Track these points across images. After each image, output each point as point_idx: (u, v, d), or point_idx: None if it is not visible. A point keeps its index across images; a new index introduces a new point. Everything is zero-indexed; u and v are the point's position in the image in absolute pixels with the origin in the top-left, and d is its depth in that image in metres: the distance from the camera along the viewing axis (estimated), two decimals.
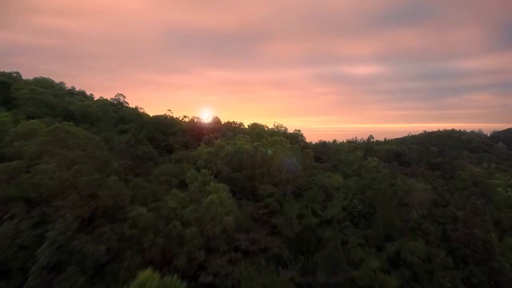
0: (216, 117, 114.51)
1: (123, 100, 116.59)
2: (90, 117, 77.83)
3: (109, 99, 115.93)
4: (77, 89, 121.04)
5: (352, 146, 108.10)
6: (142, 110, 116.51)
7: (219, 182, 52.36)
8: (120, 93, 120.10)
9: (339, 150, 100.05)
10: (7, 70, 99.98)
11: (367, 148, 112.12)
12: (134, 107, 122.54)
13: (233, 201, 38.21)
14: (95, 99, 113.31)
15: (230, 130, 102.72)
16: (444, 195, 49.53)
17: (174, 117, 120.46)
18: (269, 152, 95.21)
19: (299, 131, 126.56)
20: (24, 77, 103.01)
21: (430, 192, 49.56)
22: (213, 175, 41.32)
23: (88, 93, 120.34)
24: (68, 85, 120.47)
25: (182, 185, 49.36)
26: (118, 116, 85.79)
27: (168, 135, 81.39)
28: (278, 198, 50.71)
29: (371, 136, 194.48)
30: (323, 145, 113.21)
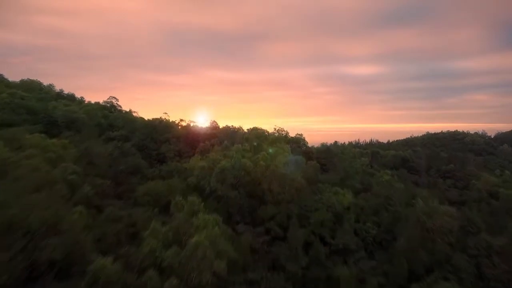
0: (214, 122, 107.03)
1: (116, 103, 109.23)
2: (75, 124, 70.50)
3: (101, 102, 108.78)
4: (72, 91, 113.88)
5: (357, 151, 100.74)
6: (136, 114, 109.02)
7: (213, 202, 45.35)
8: (114, 95, 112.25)
9: (343, 157, 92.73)
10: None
11: (373, 154, 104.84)
12: (128, 110, 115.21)
13: (227, 238, 30.80)
14: (86, 101, 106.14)
15: (229, 135, 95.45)
16: (473, 219, 42.30)
17: (170, 120, 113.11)
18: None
19: (301, 135, 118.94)
20: (22, 77, 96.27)
21: (457, 215, 42.23)
22: (203, 202, 33.84)
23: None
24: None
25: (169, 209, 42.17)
26: (107, 122, 78.42)
27: (161, 142, 74.02)
28: (280, 221, 43.45)
29: (377, 141, 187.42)
30: (326, 150, 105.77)
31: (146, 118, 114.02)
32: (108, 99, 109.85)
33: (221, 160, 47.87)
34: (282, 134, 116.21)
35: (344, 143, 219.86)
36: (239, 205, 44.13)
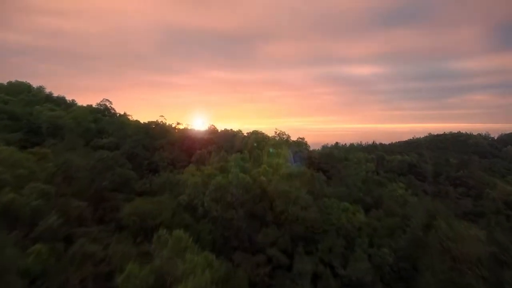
0: (212, 126, 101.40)
1: (110, 106, 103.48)
2: (61, 130, 64.74)
3: (94, 105, 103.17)
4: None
5: (362, 157, 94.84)
6: (130, 117, 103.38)
7: (207, 224, 39.63)
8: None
9: (348, 163, 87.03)
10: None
11: (378, 159, 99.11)
12: (123, 113, 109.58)
13: (220, 279, 24.94)
14: (79, 104, 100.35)
15: (227, 141, 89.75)
16: (504, 243, 36.57)
17: (167, 123, 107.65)
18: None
19: (303, 138, 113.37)
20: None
21: (485, 240, 36.43)
22: (191, 237, 27.91)
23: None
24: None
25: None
26: (97, 128, 72.50)
27: (154, 150, 68.20)
28: (284, 247, 37.75)
29: (379, 143, 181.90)
30: (329, 155, 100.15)
31: (142, 121, 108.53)
32: (101, 101, 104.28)
33: (217, 174, 42.09)
34: (283, 137, 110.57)
35: (346, 144, 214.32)
36: (236, 227, 38.40)
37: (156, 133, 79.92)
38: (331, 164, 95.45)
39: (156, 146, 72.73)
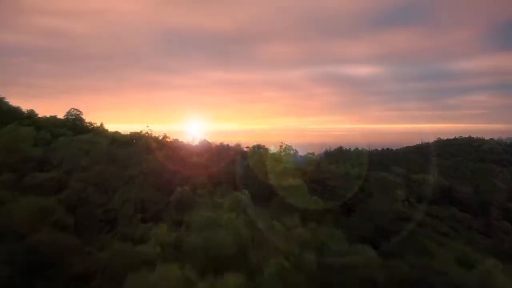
0: (205, 141, 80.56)
1: (80, 117, 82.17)
2: None
3: (62, 116, 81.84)
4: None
5: (389, 182, 73.89)
6: (103, 129, 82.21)
7: None
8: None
9: (375, 196, 66.56)
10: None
11: (407, 182, 78.59)
12: (99, 124, 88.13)
13: None
14: (41, 116, 78.91)
15: (220, 164, 68.83)
16: None
17: (153, 135, 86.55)
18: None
19: (313, 153, 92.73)
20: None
21: None
22: None
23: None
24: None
25: None
26: (42, 154, 51.13)
27: (116, 188, 47.06)
28: None
29: (388, 149, 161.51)
30: (346, 179, 79.43)
31: (123, 133, 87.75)
32: (70, 111, 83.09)
33: (193, 284, 21.19)
34: (290, 152, 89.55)
35: (350, 148, 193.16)
36: None
37: (127, 157, 58.81)
38: (348, 188, 74.83)
39: (125, 178, 51.69)
